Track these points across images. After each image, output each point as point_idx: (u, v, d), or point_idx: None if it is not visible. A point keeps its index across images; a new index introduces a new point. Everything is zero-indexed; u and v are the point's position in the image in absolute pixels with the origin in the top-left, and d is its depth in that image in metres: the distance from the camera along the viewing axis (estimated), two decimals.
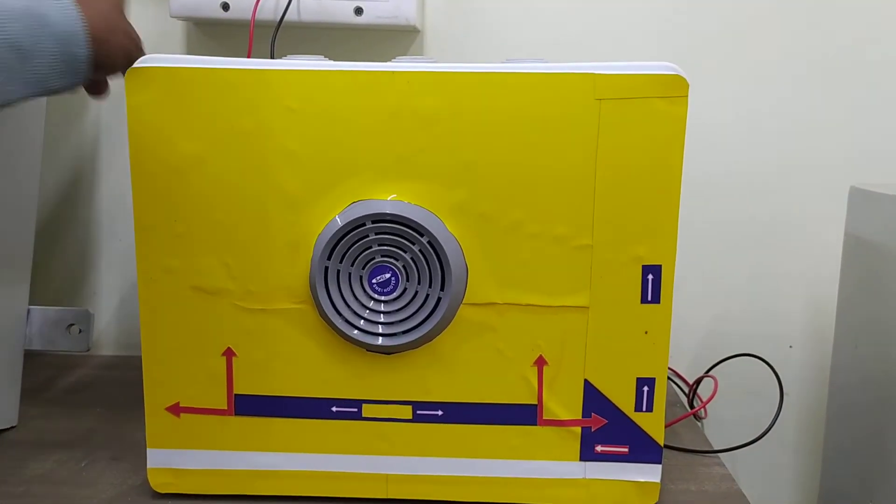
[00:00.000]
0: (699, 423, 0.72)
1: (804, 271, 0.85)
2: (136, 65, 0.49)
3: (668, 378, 0.80)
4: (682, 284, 0.84)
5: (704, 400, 0.72)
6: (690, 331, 0.86)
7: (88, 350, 0.66)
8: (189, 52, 0.83)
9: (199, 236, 0.51)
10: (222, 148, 0.50)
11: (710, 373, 0.77)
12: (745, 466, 0.87)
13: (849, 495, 0.70)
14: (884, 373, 0.64)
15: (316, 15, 0.75)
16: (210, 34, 0.83)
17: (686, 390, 0.79)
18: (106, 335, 0.87)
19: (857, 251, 0.69)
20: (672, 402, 0.75)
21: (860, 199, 0.69)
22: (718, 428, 0.85)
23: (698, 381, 0.77)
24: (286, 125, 0.49)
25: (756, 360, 0.74)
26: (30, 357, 0.67)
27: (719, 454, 0.64)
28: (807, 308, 0.85)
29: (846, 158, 0.83)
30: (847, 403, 0.71)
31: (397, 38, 0.82)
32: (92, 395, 0.73)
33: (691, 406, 0.76)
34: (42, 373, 0.78)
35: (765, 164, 0.83)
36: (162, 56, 0.49)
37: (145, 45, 0.53)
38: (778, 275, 0.85)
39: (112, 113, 0.84)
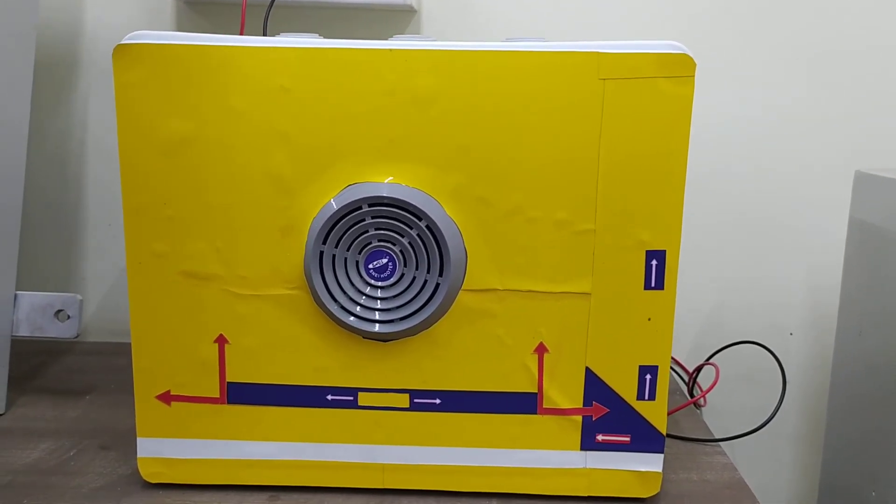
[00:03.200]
0: (698, 411, 0.71)
1: (807, 257, 0.84)
2: (123, 41, 0.47)
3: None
4: (682, 270, 0.83)
5: (704, 388, 0.71)
6: (691, 318, 0.85)
7: (77, 336, 0.65)
8: (180, 30, 0.81)
9: (190, 220, 0.49)
10: (213, 128, 0.48)
11: (711, 360, 0.76)
12: (744, 455, 0.86)
13: (850, 485, 0.69)
14: (888, 361, 0.63)
15: None
16: (201, 12, 0.81)
17: (686, 378, 0.78)
18: (96, 321, 0.86)
19: (862, 236, 0.68)
20: (672, 391, 0.74)
21: (865, 184, 0.68)
22: (718, 416, 0.84)
23: (698, 369, 0.76)
24: (279, 105, 0.48)
25: (757, 347, 0.73)
26: (17, 344, 0.65)
27: (720, 443, 0.63)
28: (809, 295, 0.84)
29: (851, 142, 0.82)
30: (850, 392, 0.70)
31: (393, 18, 0.80)
32: (81, 382, 0.72)
33: (691, 394, 0.75)
34: (30, 359, 0.76)
35: (768, 148, 0.82)
36: (150, 33, 0.48)
37: (137, 24, 0.51)
38: (780, 261, 0.84)
39: (101, 94, 0.82)
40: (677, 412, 0.67)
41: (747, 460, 0.86)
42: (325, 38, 0.49)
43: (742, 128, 0.82)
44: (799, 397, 0.86)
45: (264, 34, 0.68)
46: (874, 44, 0.80)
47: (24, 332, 0.64)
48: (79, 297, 0.64)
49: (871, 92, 0.81)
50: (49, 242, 0.84)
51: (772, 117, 0.82)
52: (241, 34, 0.67)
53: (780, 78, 0.81)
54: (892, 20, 0.80)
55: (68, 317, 0.64)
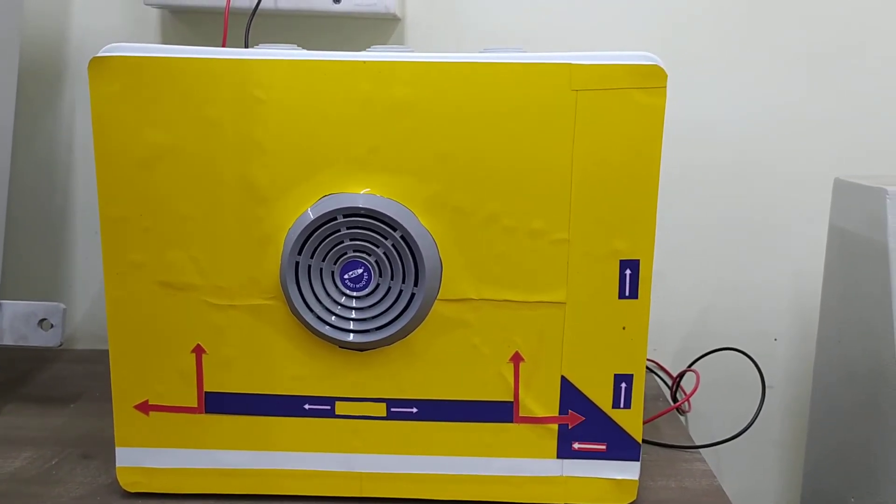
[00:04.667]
0: (682, 418, 0.71)
1: (788, 264, 0.84)
2: (99, 54, 0.48)
3: (652, 371, 0.79)
4: (665, 277, 0.84)
5: (687, 394, 0.71)
6: (675, 324, 0.85)
7: (61, 345, 0.65)
8: (164, 41, 0.81)
9: (166, 230, 0.50)
10: (189, 140, 0.48)
11: (693, 367, 0.76)
12: (728, 461, 0.86)
13: (832, 491, 0.70)
14: (867, 368, 0.63)
15: (293, 2, 0.73)
16: (185, 22, 0.81)
17: (670, 384, 0.78)
18: (82, 329, 0.86)
19: (842, 244, 0.68)
20: (655, 396, 0.74)
21: (845, 192, 0.68)
22: (702, 422, 0.84)
23: (681, 375, 0.76)
24: (255, 116, 0.48)
25: (740, 354, 0.74)
26: (2, 351, 0.65)
27: (700, 450, 0.63)
28: (792, 301, 0.85)
29: (830, 150, 0.82)
30: (830, 398, 0.71)
31: (377, 27, 0.81)
32: (66, 390, 0.72)
33: (674, 400, 0.75)
34: (14, 368, 0.77)
35: (748, 155, 0.82)
36: (127, 45, 0.48)
37: (122, 32, 0.51)
38: (765, 266, 0.84)
39: (86, 102, 0.82)
40: (659, 418, 0.67)
41: (731, 466, 0.86)
42: (308, 48, 0.49)
43: (726, 132, 0.82)
44: (783, 403, 0.86)
45: (246, 44, 0.68)
46: (858, 49, 0.81)
47: (7, 341, 0.65)
48: (62, 305, 0.64)
49: (855, 97, 0.81)
50: (36, 249, 0.85)
51: (756, 122, 0.82)
52: (224, 44, 0.67)
53: (764, 83, 0.81)
54: (877, 25, 0.80)
55: (52, 326, 0.65)
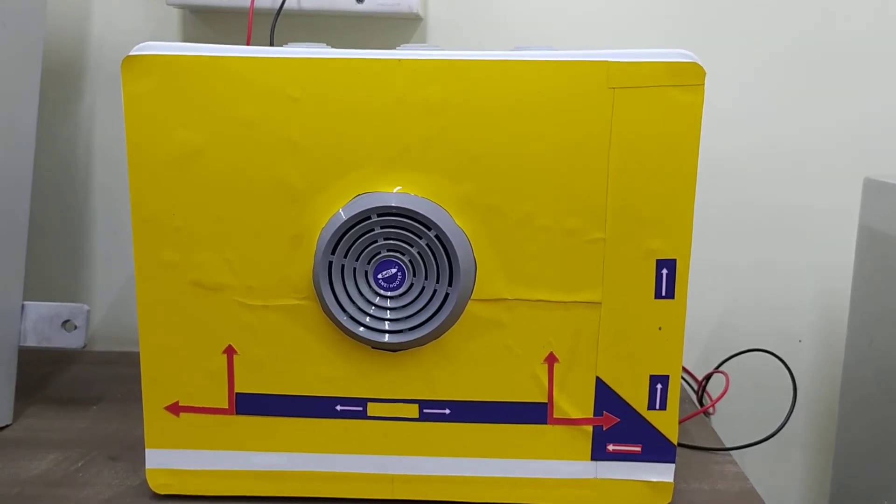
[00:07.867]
0: (708, 419, 0.71)
1: (816, 264, 0.83)
2: (132, 52, 0.47)
3: None
4: (691, 278, 0.83)
5: (714, 396, 0.71)
6: (700, 326, 0.85)
7: (84, 347, 0.65)
8: (185, 41, 0.81)
9: (199, 230, 0.49)
10: (222, 139, 0.48)
11: (721, 369, 0.76)
12: (754, 462, 0.86)
13: (862, 493, 0.69)
14: None
15: (316, 2, 0.73)
16: (207, 22, 0.81)
17: (695, 386, 0.77)
18: (103, 330, 0.85)
19: (872, 243, 0.68)
20: (681, 399, 0.74)
21: (875, 190, 0.67)
22: (727, 423, 0.83)
23: (708, 378, 0.75)
24: (288, 115, 0.48)
25: (766, 354, 0.73)
26: (24, 353, 0.65)
27: (731, 452, 0.62)
28: (818, 302, 0.84)
29: (860, 148, 0.81)
30: (860, 400, 0.70)
31: (399, 26, 0.80)
32: (89, 392, 0.72)
33: (700, 403, 0.74)
34: (37, 370, 0.76)
35: (777, 153, 0.82)
36: (159, 44, 0.48)
37: (143, 32, 0.51)
38: (789, 268, 0.83)
39: (107, 103, 0.82)
40: (687, 421, 0.67)
41: (757, 468, 0.86)
42: (332, 47, 0.49)
43: (750, 132, 0.81)
44: (809, 404, 0.86)
45: (271, 44, 0.68)
46: (889, 47, 0.80)
47: (31, 342, 0.64)
48: (86, 307, 0.64)
49: (884, 95, 0.81)
50: (56, 251, 0.84)
51: (783, 120, 0.81)
52: (248, 44, 0.67)
53: (789, 83, 0.81)
54: None
55: (75, 327, 0.64)
